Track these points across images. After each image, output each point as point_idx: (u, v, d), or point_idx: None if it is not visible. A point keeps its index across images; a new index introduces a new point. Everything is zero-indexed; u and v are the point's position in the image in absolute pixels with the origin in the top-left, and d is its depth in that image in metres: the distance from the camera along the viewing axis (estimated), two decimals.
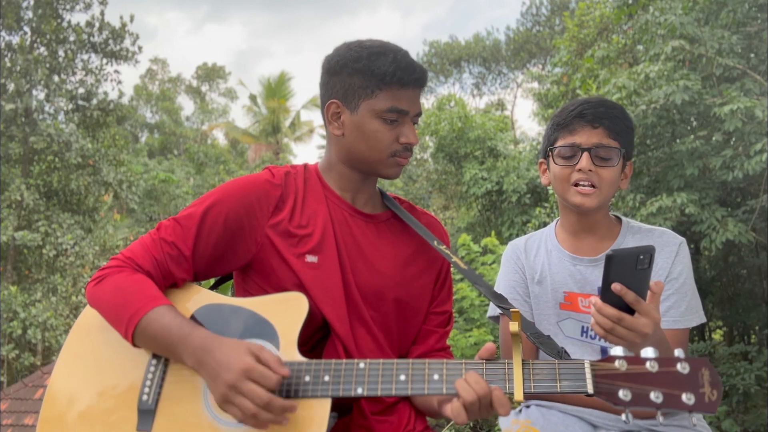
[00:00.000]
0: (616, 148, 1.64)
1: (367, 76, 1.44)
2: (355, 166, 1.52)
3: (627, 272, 1.25)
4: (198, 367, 1.27)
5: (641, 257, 1.24)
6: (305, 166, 1.59)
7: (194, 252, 1.42)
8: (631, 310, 1.27)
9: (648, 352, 1.14)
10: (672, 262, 1.65)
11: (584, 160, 1.63)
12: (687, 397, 1.07)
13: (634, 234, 1.72)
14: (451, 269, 1.65)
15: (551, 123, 1.75)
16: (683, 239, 1.70)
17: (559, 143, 1.69)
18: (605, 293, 1.27)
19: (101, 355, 1.39)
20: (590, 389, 1.14)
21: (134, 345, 1.34)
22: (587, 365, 1.16)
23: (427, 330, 1.58)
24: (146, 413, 1.31)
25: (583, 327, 1.71)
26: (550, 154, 1.71)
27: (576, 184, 1.65)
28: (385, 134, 1.45)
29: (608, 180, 1.64)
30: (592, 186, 1.63)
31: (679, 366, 1.10)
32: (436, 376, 1.23)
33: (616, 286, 1.24)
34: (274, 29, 70.04)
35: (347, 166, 1.53)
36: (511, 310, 1.22)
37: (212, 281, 1.68)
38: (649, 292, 1.29)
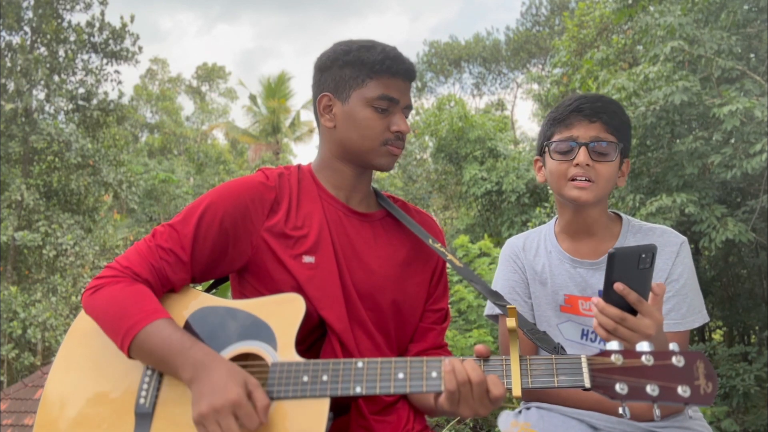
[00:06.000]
0: (613, 142, 1.61)
1: (357, 66, 1.47)
2: (349, 159, 1.52)
3: (629, 272, 1.24)
4: (191, 381, 1.26)
5: (643, 256, 1.23)
6: (299, 166, 1.59)
7: (191, 257, 1.42)
8: (633, 311, 1.26)
9: (643, 346, 1.14)
10: (672, 263, 1.62)
11: (581, 155, 1.59)
12: (683, 390, 1.08)
13: (635, 233, 1.69)
14: (446, 267, 1.64)
15: (547, 119, 1.72)
16: (684, 239, 1.67)
17: (556, 138, 1.65)
18: (607, 293, 1.26)
19: (97, 360, 1.39)
20: (587, 383, 1.14)
21: (129, 357, 1.34)
22: (584, 360, 1.16)
23: (424, 327, 1.58)
24: (144, 417, 1.30)
25: (583, 330, 1.69)
26: (547, 149, 1.68)
27: (573, 179, 1.62)
28: (377, 122, 1.46)
29: (605, 175, 1.61)
30: (589, 180, 1.60)
31: (674, 359, 1.11)
32: (434, 374, 1.23)
33: (618, 286, 1.23)
34: (283, 30, 70.31)
35: (341, 161, 1.53)
36: (507, 306, 1.22)
37: (209, 283, 1.67)
38: (651, 294, 1.28)
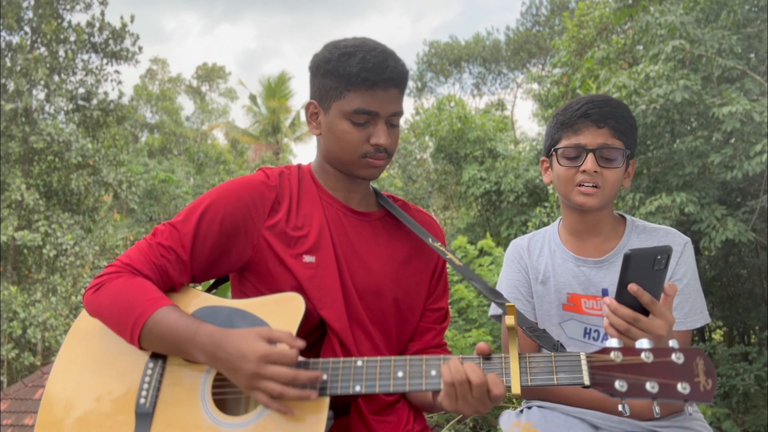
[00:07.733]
0: (620, 149, 1.62)
1: (336, 77, 1.43)
2: (334, 166, 1.52)
3: (644, 272, 1.23)
4: (212, 362, 1.27)
5: (658, 257, 1.23)
6: (299, 166, 1.59)
7: (192, 256, 1.42)
8: (644, 311, 1.26)
9: (643, 343, 1.14)
10: (676, 263, 1.62)
11: (589, 162, 1.60)
12: (682, 387, 1.08)
13: (639, 234, 1.69)
14: (447, 267, 1.64)
15: (554, 121, 1.71)
16: (688, 239, 1.67)
17: (563, 143, 1.65)
18: (620, 293, 1.25)
19: (98, 360, 1.39)
20: (587, 381, 1.14)
21: (141, 348, 1.34)
22: (583, 357, 1.16)
23: (424, 327, 1.58)
24: (144, 417, 1.30)
25: (585, 328, 1.68)
26: (554, 154, 1.68)
27: (580, 185, 1.62)
28: (354, 135, 1.43)
29: (612, 181, 1.62)
30: (596, 186, 1.61)
31: (673, 356, 1.10)
32: (433, 372, 1.23)
33: (632, 287, 1.23)
34: (286, 30, 70.22)
35: (330, 166, 1.53)
36: (506, 304, 1.22)
37: (210, 283, 1.67)
38: (662, 294, 1.28)
